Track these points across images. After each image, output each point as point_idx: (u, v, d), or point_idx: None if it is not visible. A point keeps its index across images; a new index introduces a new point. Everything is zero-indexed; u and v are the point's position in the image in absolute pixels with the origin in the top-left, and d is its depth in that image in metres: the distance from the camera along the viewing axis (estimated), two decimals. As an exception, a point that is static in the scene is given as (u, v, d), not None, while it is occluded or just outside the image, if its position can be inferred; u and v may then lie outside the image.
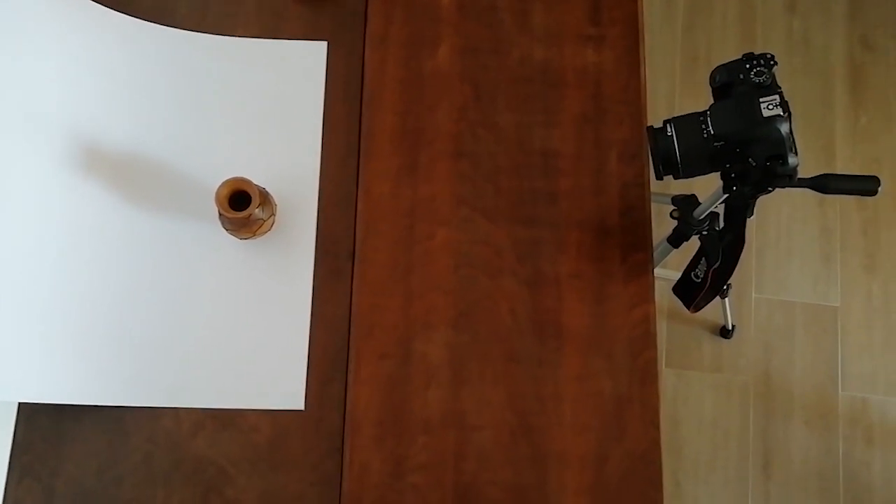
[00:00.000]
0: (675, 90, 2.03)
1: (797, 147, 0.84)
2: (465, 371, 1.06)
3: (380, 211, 1.11)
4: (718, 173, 0.95)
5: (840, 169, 2.03)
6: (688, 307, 1.20)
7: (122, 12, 1.12)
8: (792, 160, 0.83)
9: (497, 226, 1.11)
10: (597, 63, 1.18)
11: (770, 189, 0.90)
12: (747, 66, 0.86)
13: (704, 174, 0.91)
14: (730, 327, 1.79)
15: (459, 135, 1.14)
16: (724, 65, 0.88)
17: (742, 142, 0.85)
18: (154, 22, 1.14)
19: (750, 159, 0.85)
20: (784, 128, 0.83)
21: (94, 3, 1.09)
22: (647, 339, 1.08)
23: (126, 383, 1.01)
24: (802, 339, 1.89)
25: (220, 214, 1.03)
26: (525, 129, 1.14)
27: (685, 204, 1.24)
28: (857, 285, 1.95)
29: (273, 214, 1.04)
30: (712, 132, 0.86)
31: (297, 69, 1.15)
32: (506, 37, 1.18)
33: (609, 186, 1.13)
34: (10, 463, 1.00)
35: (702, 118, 0.87)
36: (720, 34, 2.09)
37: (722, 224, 0.99)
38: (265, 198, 1.04)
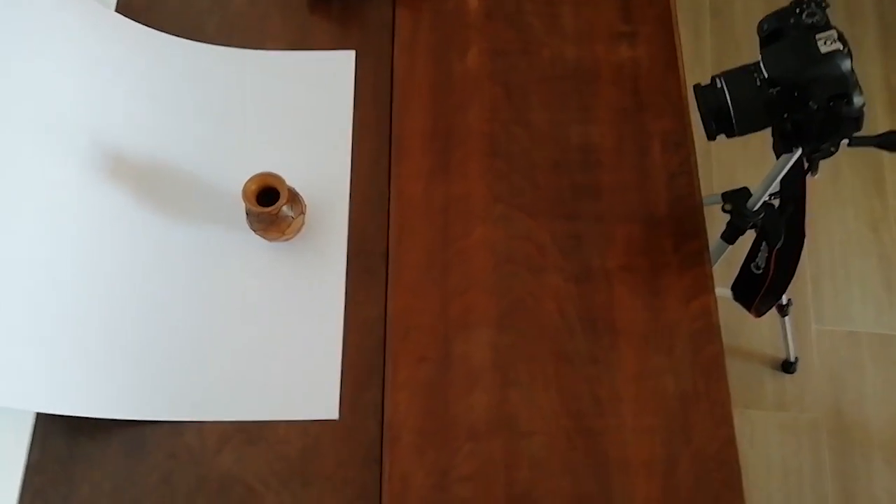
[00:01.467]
0: (710, 148, 1.99)
1: (861, 88, 0.78)
2: (511, 373, 0.97)
3: (413, 210, 1.05)
4: (773, 137, 0.88)
5: (892, 198, 1.95)
6: (749, 309, 1.11)
7: (152, 28, 1.13)
8: (857, 99, 0.77)
9: (538, 222, 1.05)
10: (632, 58, 1.14)
11: (834, 148, 0.83)
12: (797, 10, 0.81)
13: (761, 129, 0.84)
14: (792, 359, 1.67)
15: (492, 134, 1.10)
16: (772, 13, 0.84)
17: (800, 84, 0.78)
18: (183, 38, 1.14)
19: (810, 103, 0.78)
20: (845, 64, 0.77)
21: (124, 17, 1.09)
22: (709, 332, 0.98)
23: (148, 396, 0.94)
24: (872, 371, 1.76)
25: (248, 214, 0.98)
26: (561, 126, 1.10)
27: (737, 196, 1.17)
28: (924, 316, 1.83)
29: (303, 213, 1.00)
30: (767, 76, 0.80)
31: (326, 78, 1.13)
32: (535, 38, 1.16)
33: (654, 177, 1.07)
34: (22, 486, 0.92)
35: (753, 68, 0.81)
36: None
37: (779, 202, 0.91)
38: (294, 195, 0.99)
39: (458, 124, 1.10)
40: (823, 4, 0.81)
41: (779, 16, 0.83)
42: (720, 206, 1.19)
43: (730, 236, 1.19)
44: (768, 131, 1.06)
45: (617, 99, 1.11)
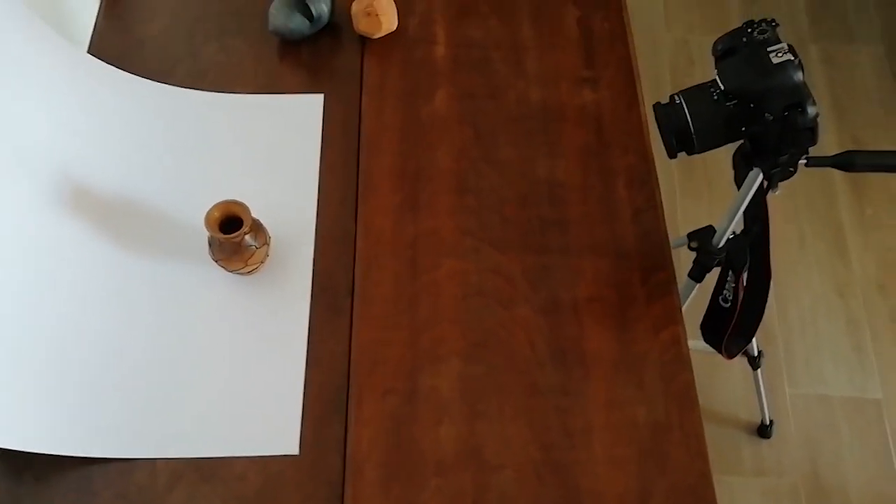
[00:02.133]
0: (675, 192, 2.03)
1: (815, 100, 0.79)
2: (480, 405, 0.94)
3: (381, 245, 1.04)
4: (734, 169, 0.90)
5: (856, 264, 1.98)
6: (720, 350, 1.10)
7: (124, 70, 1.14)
8: (811, 109, 0.79)
9: (506, 255, 1.04)
10: (595, 101, 1.17)
11: (792, 168, 0.84)
12: (749, 29, 0.84)
13: (720, 144, 0.86)
14: (767, 422, 1.65)
15: (461, 172, 1.10)
16: (725, 33, 0.87)
17: (755, 95, 0.80)
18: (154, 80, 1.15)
19: (766, 114, 0.80)
20: (798, 75, 0.79)
21: (95, 59, 1.10)
22: (679, 361, 0.97)
23: (98, 432, 0.89)
24: (847, 434, 1.73)
25: (210, 244, 0.97)
26: (528, 162, 1.11)
27: (702, 234, 1.17)
28: (897, 375, 1.82)
29: (266, 244, 0.98)
30: (723, 89, 0.82)
31: (294, 119, 1.14)
32: (501, 82, 1.19)
33: (620, 212, 1.07)
34: (-45, 530, 0.86)
35: (710, 84, 0.83)
36: (714, 155, 2.13)
37: (743, 226, 0.92)
38: (258, 226, 0.98)
39: (426, 163, 1.11)
40: (773, 23, 0.84)
41: (731, 35, 0.86)
42: (686, 246, 1.20)
43: (697, 274, 1.20)
44: (729, 165, 1.08)
45: (581, 137, 1.13)
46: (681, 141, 0.87)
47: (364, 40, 1.22)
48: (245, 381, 0.94)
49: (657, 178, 1.11)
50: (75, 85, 1.04)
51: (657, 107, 0.89)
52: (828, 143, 2.14)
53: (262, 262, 0.99)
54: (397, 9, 1.22)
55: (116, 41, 1.21)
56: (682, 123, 0.85)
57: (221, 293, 0.99)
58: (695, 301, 1.38)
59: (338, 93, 1.17)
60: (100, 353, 0.93)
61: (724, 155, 1.06)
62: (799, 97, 0.79)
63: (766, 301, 1.01)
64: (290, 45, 1.21)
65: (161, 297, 0.99)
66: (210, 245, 0.97)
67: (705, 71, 2.23)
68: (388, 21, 1.19)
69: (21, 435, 0.84)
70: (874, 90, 2.26)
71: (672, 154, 0.89)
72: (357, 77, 1.19)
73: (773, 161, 0.85)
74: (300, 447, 0.90)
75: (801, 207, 2.05)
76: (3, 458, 0.89)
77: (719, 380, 1.81)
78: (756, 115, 0.81)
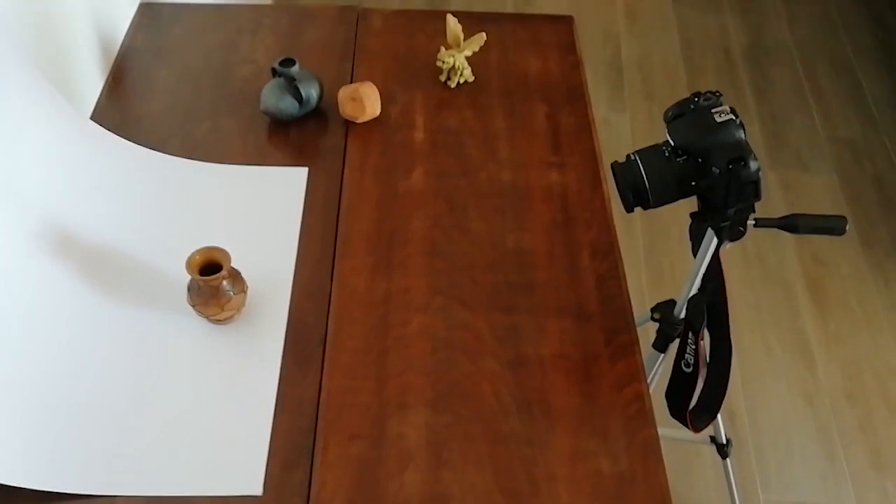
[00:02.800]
0: (645, 303, 2.10)
1: (757, 156, 0.87)
2: (445, 452, 0.94)
3: (354, 301, 1.08)
4: (690, 240, 0.96)
5: (823, 373, 2.02)
6: (685, 420, 1.12)
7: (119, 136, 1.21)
8: (753, 164, 0.86)
9: (475, 313, 1.08)
10: (561, 183, 1.25)
11: (742, 227, 0.91)
12: (696, 98, 0.93)
13: (674, 199, 0.92)
14: (742, 523, 1.62)
15: (434, 238, 1.16)
16: (675, 103, 0.96)
17: (702, 150, 0.88)
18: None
19: (713, 168, 0.87)
20: (739, 133, 0.87)
21: (94, 123, 1.18)
22: (643, 417, 0.99)
23: (58, 468, 0.88)
24: (824, 541, 1.70)
25: (189, 289, 1.00)
26: (497, 234, 1.17)
27: (664, 306, 1.22)
28: (870, 483, 1.81)
29: (244, 292, 1.02)
30: (672, 144, 0.89)
31: (278, 188, 1.20)
32: (474, 164, 1.27)
33: (584, 279, 1.13)
34: None
35: (662, 144, 0.91)
36: (680, 255, 2.22)
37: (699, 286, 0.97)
38: (236, 274, 1.02)
39: (401, 229, 1.17)
40: (717, 94, 0.94)
41: (680, 104, 0.95)
42: (647, 323, 1.24)
43: (661, 344, 1.23)
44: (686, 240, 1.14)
45: (548, 213, 1.20)
46: (637, 197, 0.94)
47: (348, 124, 1.31)
48: (212, 422, 0.94)
49: (620, 251, 1.17)
50: (73, 143, 1.11)
51: (615, 165, 0.97)
52: (789, 260, 2.25)
53: (237, 311, 1.02)
54: (381, 99, 1.32)
55: (116, 117, 1.29)
56: (638, 179, 0.93)
57: (197, 339, 1.02)
58: (661, 385, 1.41)
59: (321, 167, 1.25)
60: (69, 387, 0.94)
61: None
62: (740, 152, 0.87)
63: (729, 367, 1.04)
64: (279, 125, 1.30)
65: (138, 340, 1.00)
66: (189, 290, 1.00)
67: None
68: (372, 106, 1.29)
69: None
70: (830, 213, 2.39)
71: (629, 209, 0.95)
72: (340, 155, 1.27)
73: (722, 215, 0.92)
74: (264, 489, 0.89)
75: (766, 320, 2.11)
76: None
77: (694, 478, 1.80)
78: (704, 169, 0.89)
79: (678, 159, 0.91)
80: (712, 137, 0.89)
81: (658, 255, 2.22)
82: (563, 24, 1.55)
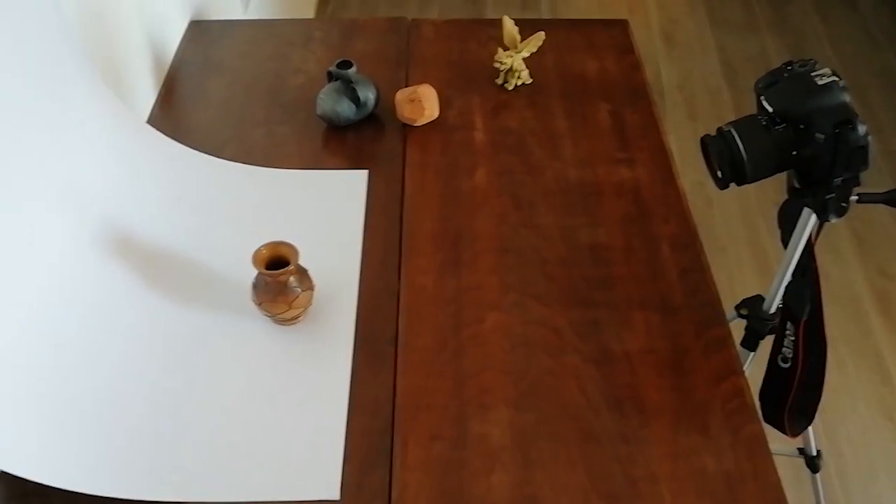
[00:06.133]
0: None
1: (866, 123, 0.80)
2: (534, 452, 0.87)
3: (424, 299, 1.02)
4: (780, 228, 0.89)
5: (899, 392, 1.91)
6: (781, 424, 1.03)
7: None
8: (861, 127, 0.79)
9: (552, 309, 1.01)
10: (632, 178, 1.19)
11: (845, 203, 0.84)
12: (789, 66, 0.87)
13: (772, 172, 0.85)
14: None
15: (502, 235, 1.11)
16: (766, 73, 0.90)
17: (803, 116, 0.81)
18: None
19: (816, 134, 0.81)
20: (843, 95, 0.81)
21: (152, 128, 1.15)
22: (745, 412, 0.91)
23: (138, 474, 0.82)
24: (921, 566, 1.57)
25: (255, 286, 0.95)
26: (569, 229, 1.12)
27: (752, 302, 1.14)
28: (963, 506, 1.69)
29: (311, 290, 0.96)
30: (771, 112, 0.83)
31: (339, 191, 1.16)
32: (539, 162, 1.22)
33: (666, 272, 1.06)
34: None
35: (757, 112, 0.85)
36: (738, 270, 2.14)
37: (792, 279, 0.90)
38: (303, 271, 0.97)
39: (467, 227, 1.12)
40: (812, 61, 0.88)
41: (772, 73, 0.89)
42: (732, 321, 1.16)
43: (750, 342, 1.15)
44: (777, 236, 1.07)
45: (621, 208, 1.14)
46: (732, 172, 0.88)
47: (406, 128, 1.27)
48: (285, 425, 0.88)
49: (702, 244, 1.10)
50: (133, 148, 1.08)
51: (706, 138, 0.91)
52: (854, 274, 2.15)
53: (304, 309, 0.96)
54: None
55: (169, 125, 1.27)
56: (735, 151, 0.86)
57: (262, 341, 0.96)
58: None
59: (381, 170, 1.20)
60: (139, 396, 0.89)
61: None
62: (847, 114, 0.81)
63: (825, 364, 0.96)
64: (335, 131, 1.26)
65: (201, 343, 0.95)
66: (254, 288, 0.95)
67: (725, 210, 2.30)
68: (431, 108, 1.25)
69: (56, 473, 0.78)
70: (892, 226, 2.30)
71: (723, 184, 0.89)
72: (400, 158, 1.23)
73: (827, 187, 0.85)
74: (342, 492, 0.83)
75: (835, 336, 2.01)
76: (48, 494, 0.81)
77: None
78: (806, 136, 0.83)
79: (776, 127, 0.85)
80: (814, 101, 0.83)
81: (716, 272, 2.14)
82: (618, 27, 1.51)
